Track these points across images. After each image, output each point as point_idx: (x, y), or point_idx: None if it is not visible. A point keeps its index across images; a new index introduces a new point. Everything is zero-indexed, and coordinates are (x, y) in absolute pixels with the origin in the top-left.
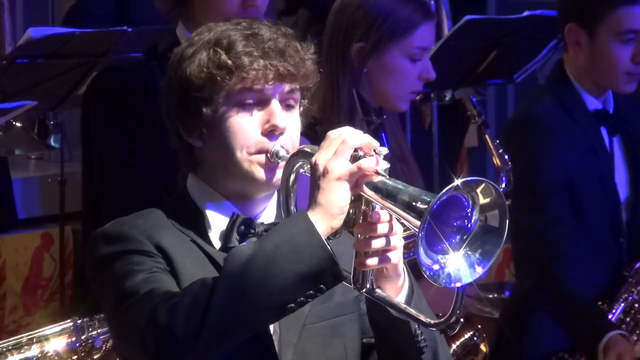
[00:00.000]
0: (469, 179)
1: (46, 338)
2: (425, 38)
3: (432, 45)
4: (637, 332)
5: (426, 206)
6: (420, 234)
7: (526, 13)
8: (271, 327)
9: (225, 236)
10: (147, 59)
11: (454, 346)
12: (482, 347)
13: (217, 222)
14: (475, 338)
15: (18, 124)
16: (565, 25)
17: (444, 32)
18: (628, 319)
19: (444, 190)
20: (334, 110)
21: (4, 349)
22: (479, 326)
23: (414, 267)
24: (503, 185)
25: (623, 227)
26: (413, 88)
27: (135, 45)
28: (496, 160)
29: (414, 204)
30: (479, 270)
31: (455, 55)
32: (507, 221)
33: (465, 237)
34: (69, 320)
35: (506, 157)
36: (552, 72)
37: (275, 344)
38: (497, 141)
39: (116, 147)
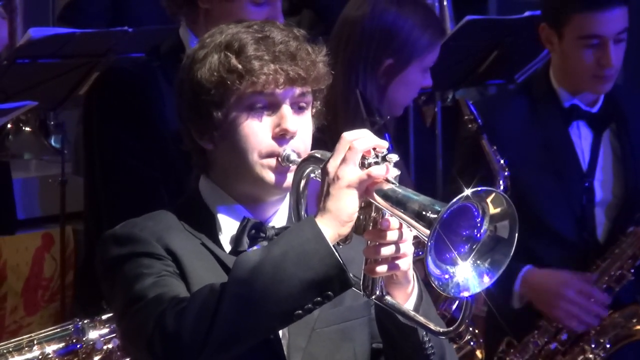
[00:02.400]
0: (479, 189)
1: (47, 340)
2: (437, 53)
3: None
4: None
5: (436, 216)
6: (429, 243)
7: (527, 13)
8: (280, 331)
9: (236, 240)
10: (149, 60)
11: None
12: (478, 354)
13: (228, 225)
14: (472, 343)
15: (27, 129)
16: (540, 24)
17: (446, 33)
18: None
19: (454, 200)
20: (336, 114)
21: (5, 351)
22: (477, 331)
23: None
24: (500, 189)
25: (593, 226)
26: (414, 97)
27: (136, 45)
28: (493, 166)
29: (424, 213)
30: (488, 279)
31: (457, 55)
32: (517, 231)
33: (474, 246)
34: (69, 322)
35: (502, 162)
36: (538, 69)
37: (284, 348)
38: (495, 147)
39: (118, 147)
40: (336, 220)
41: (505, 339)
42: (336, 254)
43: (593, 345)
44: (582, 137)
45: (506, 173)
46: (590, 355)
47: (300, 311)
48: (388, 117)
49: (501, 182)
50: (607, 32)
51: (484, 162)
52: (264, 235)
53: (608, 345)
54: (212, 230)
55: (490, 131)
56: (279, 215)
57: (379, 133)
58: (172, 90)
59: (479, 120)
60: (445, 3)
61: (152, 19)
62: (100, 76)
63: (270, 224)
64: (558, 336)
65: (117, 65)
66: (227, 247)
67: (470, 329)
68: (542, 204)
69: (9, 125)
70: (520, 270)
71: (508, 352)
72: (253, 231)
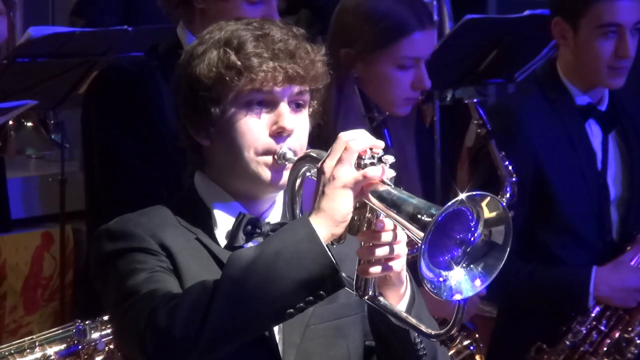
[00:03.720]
0: (474, 193)
1: (48, 341)
2: (417, 47)
3: (428, 54)
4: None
5: (430, 219)
6: (423, 246)
7: (527, 12)
8: (275, 327)
9: (231, 235)
10: (147, 59)
11: (450, 352)
12: (477, 358)
13: (223, 220)
14: (471, 347)
15: (29, 124)
16: (552, 20)
17: (445, 33)
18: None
19: (448, 204)
20: (331, 113)
21: (6, 353)
22: (477, 335)
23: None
24: (507, 195)
25: (610, 224)
26: (405, 95)
27: (136, 44)
28: (501, 172)
29: (418, 216)
30: (480, 284)
31: (456, 54)
32: (511, 236)
33: (468, 250)
34: (71, 323)
35: (510, 168)
36: (542, 67)
37: (279, 344)
38: (503, 153)
39: (117, 147)
40: (330, 220)
41: (535, 345)
42: (329, 253)
43: (624, 344)
44: (593, 135)
45: (514, 179)
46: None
47: (292, 310)
48: (387, 113)
49: (508, 188)
50: (625, 21)
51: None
52: (260, 230)
53: (638, 341)
54: (207, 225)
55: (521, 129)
56: (274, 211)
57: (378, 129)
58: (170, 89)
59: (488, 125)
60: (444, 2)
61: (163, 16)
62: (98, 76)
63: (266, 220)
64: (589, 337)
65: (115, 65)
66: (223, 242)
67: (464, 333)
68: (566, 203)
69: (10, 122)
70: (592, 272)
71: (540, 358)
72: (249, 227)
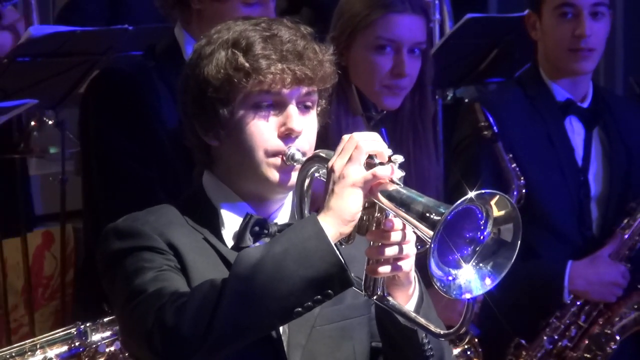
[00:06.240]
0: (483, 191)
1: (49, 344)
2: (394, 29)
3: (409, 40)
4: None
5: (440, 217)
6: (432, 245)
7: (527, 11)
8: (280, 327)
9: (239, 236)
10: (145, 60)
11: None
12: None
13: (231, 221)
14: (469, 352)
15: (50, 122)
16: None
17: (446, 32)
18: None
19: (458, 202)
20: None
21: (7, 356)
22: (476, 340)
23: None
24: (514, 198)
25: (590, 220)
26: (384, 82)
27: (136, 43)
28: (508, 174)
29: (427, 214)
30: (490, 282)
31: (457, 53)
32: (520, 235)
33: (477, 249)
34: (72, 326)
35: (518, 170)
36: (527, 67)
37: (285, 344)
38: (510, 155)
39: (113, 148)
40: (339, 219)
41: (514, 341)
42: (337, 252)
43: (603, 339)
44: (575, 131)
45: (521, 182)
46: (599, 352)
47: (300, 309)
48: (384, 112)
49: (515, 191)
50: (581, 1)
51: (486, 167)
52: (267, 231)
53: (617, 337)
54: (215, 225)
55: (499, 126)
56: (282, 212)
57: (376, 128)
58: (168, 90)
59: (495, 127)
60: (444, 1)
61: (150, 18)
62: (95, 77)
63: (274, 221)
64: (567, 332)
65: (112, 66)
66: (230, 243)
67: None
68: (545, 199)
69: (32, 123)
70: (567, 266)
71: (519, 354)
72: (256, 227)
